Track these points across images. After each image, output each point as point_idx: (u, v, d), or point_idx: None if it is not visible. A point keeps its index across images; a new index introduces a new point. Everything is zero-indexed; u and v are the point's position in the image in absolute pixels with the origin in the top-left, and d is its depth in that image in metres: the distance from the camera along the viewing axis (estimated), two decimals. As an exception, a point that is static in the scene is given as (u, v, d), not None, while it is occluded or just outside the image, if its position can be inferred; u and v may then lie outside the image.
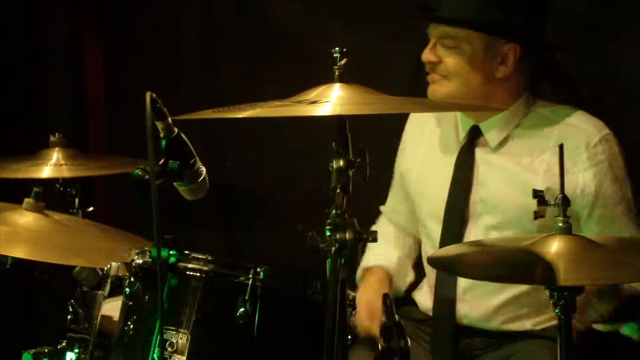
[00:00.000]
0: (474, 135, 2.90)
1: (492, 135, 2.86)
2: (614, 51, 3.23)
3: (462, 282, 2.86)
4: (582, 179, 2.76)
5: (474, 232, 2.85)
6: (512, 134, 2.86)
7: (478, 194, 2.86)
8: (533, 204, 2.47)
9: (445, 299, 2.88)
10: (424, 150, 3.02)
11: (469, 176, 2.87)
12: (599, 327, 2.79)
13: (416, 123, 3.08)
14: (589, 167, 2.76)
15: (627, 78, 3.20)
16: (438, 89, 2.83)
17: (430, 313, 2.96)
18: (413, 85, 3.27)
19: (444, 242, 2.87)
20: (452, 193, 2.89)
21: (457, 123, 2.95)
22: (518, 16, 2.81)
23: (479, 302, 2.85)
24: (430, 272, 2.96)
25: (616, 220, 2.79)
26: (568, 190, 2.59)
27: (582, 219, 2.78)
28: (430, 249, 2.95)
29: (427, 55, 2.83)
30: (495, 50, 2.79)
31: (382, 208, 3.20)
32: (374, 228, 3.13)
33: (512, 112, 2.85)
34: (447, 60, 2.80)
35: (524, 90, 2.87)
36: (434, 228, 2.92)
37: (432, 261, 2.48)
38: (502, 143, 2.86)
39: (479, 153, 2.88)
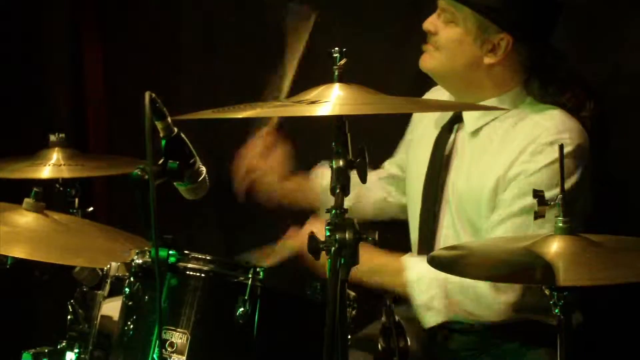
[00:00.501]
0: (456, 119, 2.92)
1: (470, 121, 2.89)
2: (613, 51, 3.23)
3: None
4: (518, 167, 2.75)
5: (447, 216, 2.87)
6: (489, 124, 2.87)
7: (450, 177, 2.88)
8: (488, 194, 2.58)
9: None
10: (422, 129, 3.07)
11: (444, 159, 2.90)
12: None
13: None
14: (528, 160, 2.74)
15: (628, 78, 3.20)
16: (427, 59, 2.88)
17: None
18: (418, 82, 3.28)
19: (421, 222, 2.92)
20: (428, 174, 2.93)
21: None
22: (518, 9, 2.82)
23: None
24: None
25: (512, 216, 2.76)
26: (502, 173, 2.70)
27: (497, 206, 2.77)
28: (413, 229, 2.98)
29: (427, 24, 2.87)
30: (488, 36, 2.81)
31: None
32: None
33: (497, 103, 2.87)
34: (442, 32, 2.84)
35: (516, 85, 2.87)
36: (414, 207, 2.96)
37: (432, 261, 2.48)
38: (478, 131, 2.88)
39: (457, 137, 2.91)
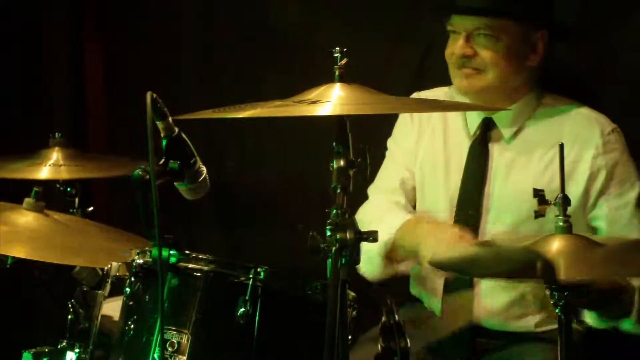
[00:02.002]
0: (487, 128, 2.91)
1: (506, 128, 2.89)
2: (613, 49, 3.23)
3: (475, 282, 2.86)
4: (596, 163, 2.79)
5: (489, 226, 2.85)
6: (525, 126, 2.88)
7: (492, 187, 2.86)
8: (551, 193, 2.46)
9: (461, 299, 2.88)
10: (428, 142, 3.02)
11: (483, 169, 2.88)
12: (596, 324, 2.79)
13: (408, 116, 3.07)
14: (603, 153, 2.80)
15: (627, 77, 3.20)
16: (474, 83, 2.82)
17: (430, 307, 2.97)
18: (417, 82, 3.27)
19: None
20: (465, 187, 2.89)
21: (465, 116, 2.95)
22: (543, 2, 2.85)
23: (489, 301, 2.85)
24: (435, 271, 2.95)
25: (623, 208, 2.80)
26: (580, 177, 2.62)
27: (589, 204, 2.80)
28: None
29: (463, 49, 2.80)
30: (529, 38, 2.82)
31: (374, 188, 3.11)
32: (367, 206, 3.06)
33: (525, 103, 2.88)
34: (483, 52, 2.80)
35: (536, 81, 2.89)
36: (440, 217, 2.91)
37: (433, 262, 2.47)
38: (516, 134, 2.88)
39: (493, 146, 2.90)
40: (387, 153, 3.10)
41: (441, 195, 2.95)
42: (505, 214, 2.84)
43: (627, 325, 2.77)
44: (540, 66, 2.88)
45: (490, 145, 2.90)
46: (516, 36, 2.80)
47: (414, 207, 3.05)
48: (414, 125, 3.05)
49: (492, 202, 2.85)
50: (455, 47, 2.82)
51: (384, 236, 2.83)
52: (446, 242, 2.68)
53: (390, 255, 2.88)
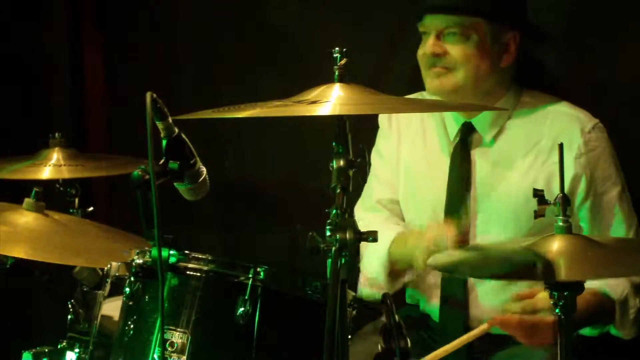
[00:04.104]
0: (467, 132, 2.90)
1: (485, 130, 2.87)
2: (613, 51, 3.23)
3: (472, 283, 2.86)
4: (579, 164, 2.77)
5: (478, 229, 2.84)
6: (505, 127, 2.87)
7: (478, 190, 2.86)
8: (530, 199, 2.48)
9: (456, 303, 2.88)
10: (408, 151, 3.01)
11: (467, 173, 2.87)
12: (585, 332, 2.80)
13: (386, 121, 3.07)
14: (585, 152, 2.78)
15: (626, 79, 3.20)
16: (445, 82, 2.81)
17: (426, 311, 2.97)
18: (417, 82, 3.27)
19: None
20: (451, 193, 2.88)
21: (444, 120, 2.94)
22: (515, 3, 2.83)
23: (486, 302, 2.85)
24: (431, 276, 2.95)
25: (606, 205, 2.80)
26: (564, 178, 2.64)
27: (574, 207, 2.79)
28: None
29: (432, 48, 2.80)
30: (501, 38, 2.81)
31: (359, 206, 3.09)
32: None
33: (503, 104, 2.86)
34: (453, 50, 2.79)
35: (513, 81, 2.88)
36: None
37: (433, 264, 2.47)
38: (496, 137, 2.87)
39: (474, 149, 2.89)
40: (371, 169, 3.06)
41: (425, 202, 2.95)
42: (493, 216, 2.83)
43: (613, 331, 2.79)
44: (515, 66, 2.87)
45: (471, 149, 2.89)
46: (486, 35, 2.79)
47: (403, 219, 3.05)
48: (392, 131, 3.05)
49: (479, 205, 2.85)
50: (426, 47, 2.82)
51: (382, 255, 2.86)
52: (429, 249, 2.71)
53: (393, 269, 2.89)
